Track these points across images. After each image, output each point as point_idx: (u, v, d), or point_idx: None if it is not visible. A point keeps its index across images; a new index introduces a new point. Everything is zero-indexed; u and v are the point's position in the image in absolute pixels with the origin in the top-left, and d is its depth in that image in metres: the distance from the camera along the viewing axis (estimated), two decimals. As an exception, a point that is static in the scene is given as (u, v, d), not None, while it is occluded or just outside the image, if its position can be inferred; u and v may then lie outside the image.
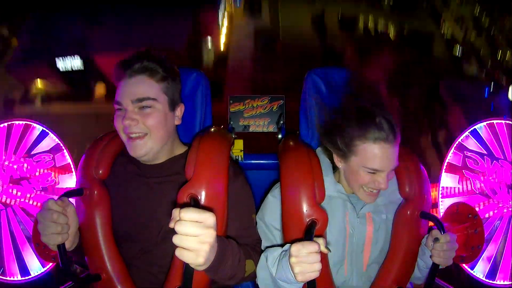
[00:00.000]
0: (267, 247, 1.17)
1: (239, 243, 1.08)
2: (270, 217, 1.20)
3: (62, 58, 10.25)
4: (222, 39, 8.59)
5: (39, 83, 9.45)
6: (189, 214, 0.79)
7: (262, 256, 1.12)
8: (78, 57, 10.31)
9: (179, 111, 1.22)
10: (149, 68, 1.13)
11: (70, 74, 10.20)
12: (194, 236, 0.79)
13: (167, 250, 1.12)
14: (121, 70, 1.13)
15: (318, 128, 1.23)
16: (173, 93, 1.18)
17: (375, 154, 1.06)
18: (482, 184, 1.68)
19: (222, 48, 8.64)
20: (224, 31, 8.67)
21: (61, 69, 10.34)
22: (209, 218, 0.80)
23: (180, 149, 1.25)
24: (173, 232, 0.79)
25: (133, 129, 1.10)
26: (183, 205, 0.83)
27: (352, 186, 1.16)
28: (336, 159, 1.17)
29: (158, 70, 1.14)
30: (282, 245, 1.09)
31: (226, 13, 8.82)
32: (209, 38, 8.10)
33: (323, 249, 0.95)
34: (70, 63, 10.33)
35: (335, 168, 1.23)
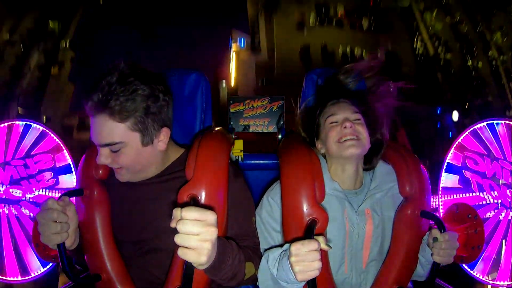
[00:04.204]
0: (266, 249, 1.16)
1: (239, 245, 1.08)
2: (268, 218, 1.20)
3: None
4: (232, 75, 11.33)
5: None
6: (190, 213, 0.79)
7: (263, 257, 1.11)
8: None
9: (163, 136, 1.10)
10: (108, 105, 0.97)
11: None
12: (196, 234, 0.79)
13: (164, 250, 1.11)
14: (85, 104, 1.00)
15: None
16: (147, 126, 1.04)
17: (331, 107, 1.26)
18: (482, 184, 1.68)
19: (232, 84, 11.19)
20: (233, 65, 11.46)
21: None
22: (210, 216, 0.81)
23: (175, 154, 1.22)
24: (169, 231, 0.79)
25: (110, 165, 1.09)
26: (183, 205, 0.83)
27: (332, 149, 1.20)
28: (318, 145, 1.27)
29: (116, 107, 0.97)
30: (281, 246, 1.08)
31: (234, 53, 11.64)
32: (223, 81, 10.77)
33: (323, 246, 0.95)
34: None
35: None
